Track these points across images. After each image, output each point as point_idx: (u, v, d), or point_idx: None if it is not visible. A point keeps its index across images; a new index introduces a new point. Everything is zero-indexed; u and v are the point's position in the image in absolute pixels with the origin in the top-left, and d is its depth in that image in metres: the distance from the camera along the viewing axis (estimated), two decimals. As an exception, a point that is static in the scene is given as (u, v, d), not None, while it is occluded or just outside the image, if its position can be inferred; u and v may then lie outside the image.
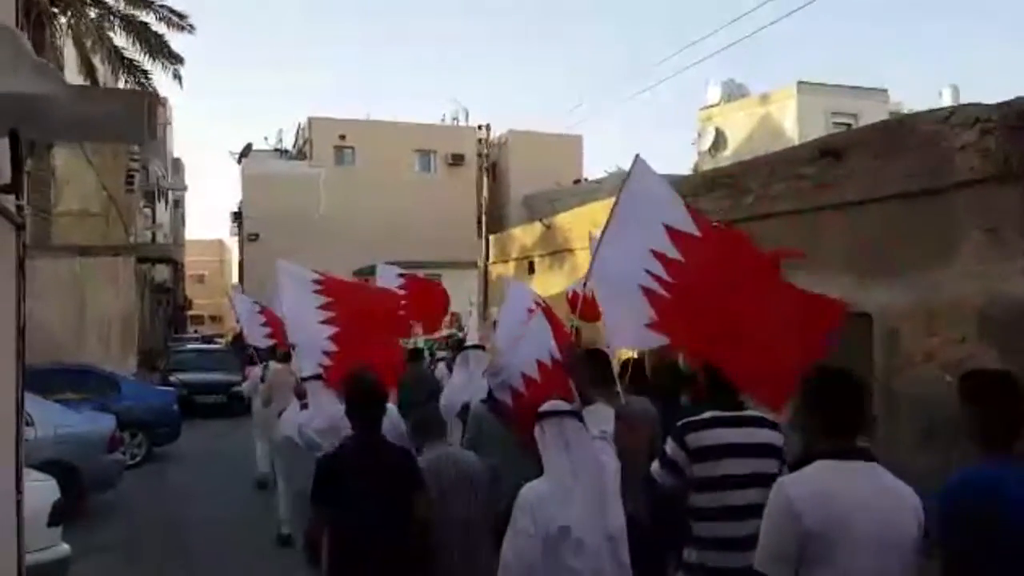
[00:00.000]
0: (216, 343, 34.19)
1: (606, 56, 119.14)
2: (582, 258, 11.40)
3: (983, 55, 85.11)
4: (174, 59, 19.85)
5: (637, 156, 4.31)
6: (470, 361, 6.42)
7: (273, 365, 9.63)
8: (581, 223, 11.78)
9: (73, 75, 20.03)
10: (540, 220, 12.39)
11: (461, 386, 6.20)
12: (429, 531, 3.78)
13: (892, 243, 6.80)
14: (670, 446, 3.65)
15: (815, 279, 7.32)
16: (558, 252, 11.82)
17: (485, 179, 25.28)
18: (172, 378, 17.72)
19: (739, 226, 8.60)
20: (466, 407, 5.53)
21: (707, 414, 3.66)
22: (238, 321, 11.21)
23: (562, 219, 12.27)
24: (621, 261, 4.13)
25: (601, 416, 3.86)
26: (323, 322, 6.15)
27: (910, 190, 6.65)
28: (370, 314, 6.42)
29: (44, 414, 8.83)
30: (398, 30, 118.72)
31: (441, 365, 9.32)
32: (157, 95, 19.96)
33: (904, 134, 6.82)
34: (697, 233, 4.08)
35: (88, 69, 20.48)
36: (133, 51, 20.09)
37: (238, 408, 17.59)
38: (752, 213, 8.23)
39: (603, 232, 4.19)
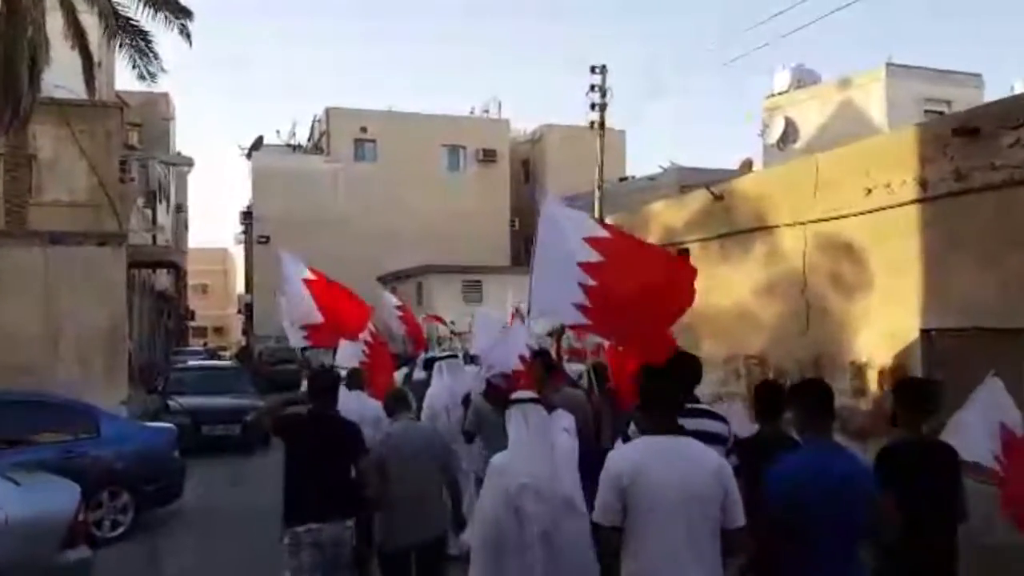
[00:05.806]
0: (220, 357, 30.67)
1: (647, 50, 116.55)
2: (791, 238, 7.88)
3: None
4: (181, 12, 16.45)
5: (547, 194, 5.24)
6: (444, 370, 7.65)
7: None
8: (781, 186, 8.04)
9: (57, 39, 16.85)
10: (707, 187, 8.81)
11: (438, 392, 7.36)
12: (368, 484, 4.96)
13: None
14: (629, 433, 4.31)
15: None
16: (737, 233, 8.20)
17: (600, 140, 21.52)
18: (172, 403, 14.13)
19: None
20: (467, 398, 6.81)
21: None
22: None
23: (744, 185, 8.63)
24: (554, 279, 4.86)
25: (562, 416, 4.88)
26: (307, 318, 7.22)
27: None
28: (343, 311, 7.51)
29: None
30: (423, 23, 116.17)
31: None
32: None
33: None
34: (609, 236, 4.96)
35: (76, 31, 17.19)
36: (130, 8, 16.77)
37: (256, 442, 14.03)
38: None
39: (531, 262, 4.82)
